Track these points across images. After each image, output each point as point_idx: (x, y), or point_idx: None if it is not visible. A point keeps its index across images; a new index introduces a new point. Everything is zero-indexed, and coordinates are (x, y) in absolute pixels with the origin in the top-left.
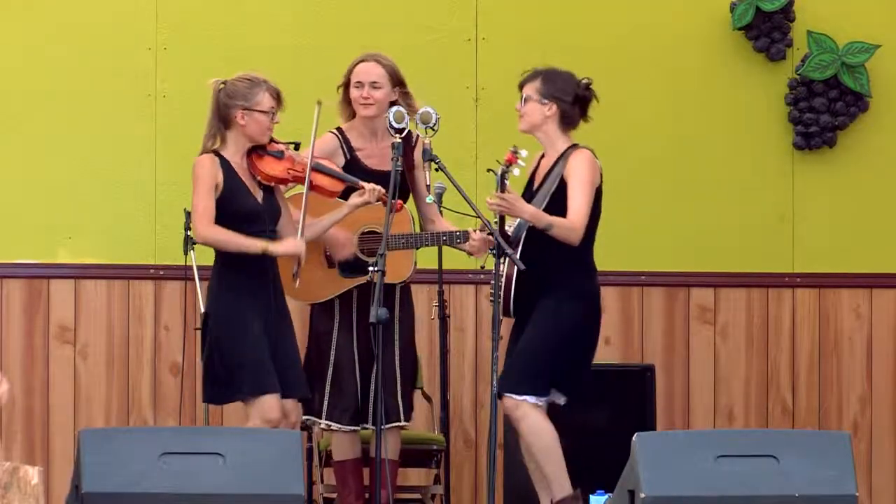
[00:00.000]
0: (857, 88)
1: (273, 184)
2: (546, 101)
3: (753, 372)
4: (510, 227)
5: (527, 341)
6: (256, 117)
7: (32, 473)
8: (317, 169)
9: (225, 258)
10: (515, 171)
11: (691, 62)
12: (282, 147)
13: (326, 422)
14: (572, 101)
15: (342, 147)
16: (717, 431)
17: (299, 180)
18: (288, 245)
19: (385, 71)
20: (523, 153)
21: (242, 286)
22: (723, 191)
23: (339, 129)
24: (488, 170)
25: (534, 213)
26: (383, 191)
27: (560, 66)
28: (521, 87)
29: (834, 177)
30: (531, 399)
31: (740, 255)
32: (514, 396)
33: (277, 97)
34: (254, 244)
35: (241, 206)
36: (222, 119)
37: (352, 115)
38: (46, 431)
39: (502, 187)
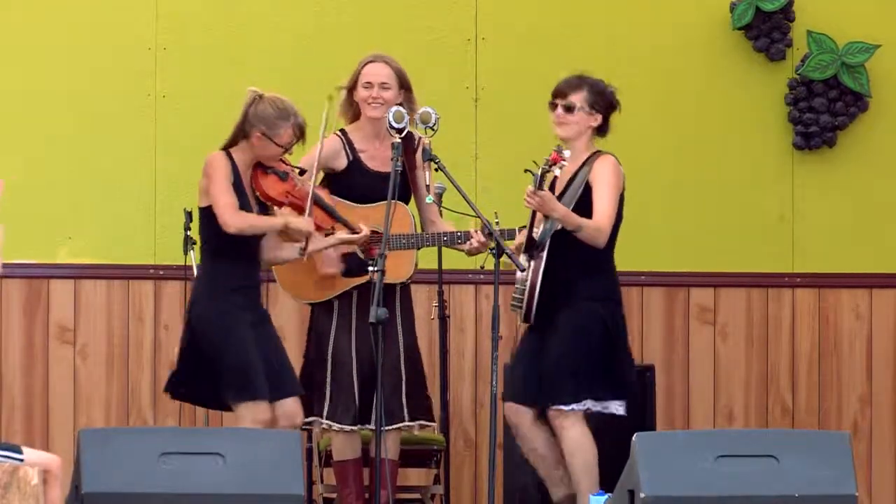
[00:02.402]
0: (857, 88)
1: (268, 203)
2: (594, 112)
3: (753, 372)
4: (536, 231)
5: (560, 349)
6: (270, 146)
7: (32, 473)
8: (317, 202)
9: (211, 260)
10: (556, 171)
11: (691, 62)
12: (288, 169)
13: (327, 422)
14: (612, 111)
15: (345, 149)
16: (717, 431)
17: (294, 206)
18: (302, 220)
19: (394, 72)
20: (566, 153)
21: (229, 289)
22: (723, 191)
23: (342, 130)
24: (526, 170)
25: (565, 213)
26: (369, 238)
27: (559, 67)
28: (562, 94)
29: (834, 177)
30: (577, 407)
31: (740, 255)
32: (562, 407)
33: (301, 134)
34: (276, 221)
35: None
36: (243, 129)
37: (355, 116)
38: (46, 431)
39: (539, 185)
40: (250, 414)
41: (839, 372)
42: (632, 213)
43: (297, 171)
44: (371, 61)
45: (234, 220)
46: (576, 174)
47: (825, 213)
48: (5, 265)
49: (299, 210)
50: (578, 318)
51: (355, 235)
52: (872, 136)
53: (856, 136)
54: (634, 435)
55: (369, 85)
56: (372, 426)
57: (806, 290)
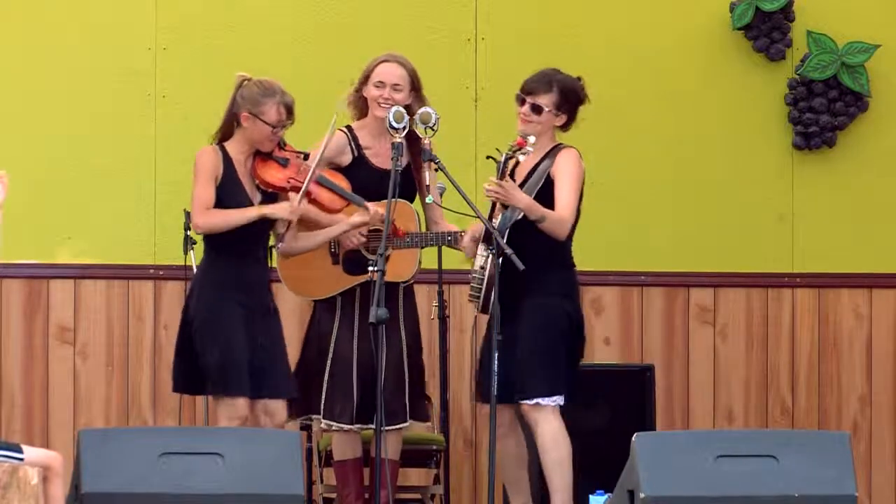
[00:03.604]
0: (857, 88)
1: (270, 191)
2: (560, 114)
3: (753, 372)
4: (495, 220)
5: (529, 343)
6: (259, 125)
7: (32, 474)
8: (320, 182)
9: (211, 256)
10: (521, 157)
11: (691, 62)
12: (289, 155)
13: (326, 421)
14: (579, 107)
15: (350, 145)
16: (717, 431)
17: (298, 191)
18: (282, 206)
19: (407, 73)
20: (532, 139)
21: (226, 285)
22: (723, 191)
23: (348, 126)
24: (488, 157)
25: (529, 203)
26: (383, 214)
27: (559, 66)
28: (531, 92)
29: (833, 177)
30: (548, 401)
31: (740, 255)
32: (530, 401)
33: (288, 112)
34: (250, 212)
35: (232, 205)
36: (233, 115)
37: (363, 112)
38: (46, 431)
39: (501, 174)
40: (226, 410)
41: (839, 372)
42: (632, 213)
43: (301, 156)
44: (385, 61)
45: (202, 219)
46: (537, 165)
47: (825, 213)
48: (5, 265)
49: (306, 196)
50: (546, 312)
51: (366, 217)
52: (872, 136)
53: (856, 136)
54: (634, 435)
55: (381, 84)
56: (374, 426)
57: (806, 290)
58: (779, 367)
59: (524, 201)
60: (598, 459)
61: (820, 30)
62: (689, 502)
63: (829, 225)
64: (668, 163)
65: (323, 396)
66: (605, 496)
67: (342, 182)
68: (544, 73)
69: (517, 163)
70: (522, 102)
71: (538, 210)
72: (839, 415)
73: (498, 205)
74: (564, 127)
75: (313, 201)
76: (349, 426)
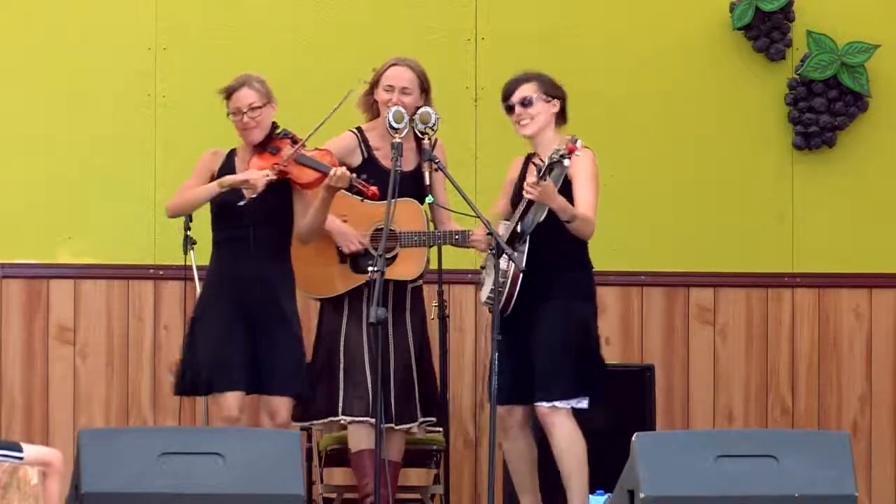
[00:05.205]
0: (857, 88)
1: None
2: (550, 99)
3: (753, 372)
4: (519, 224)
5: (547, 344)
6: (232, 118)
7: (32, 473)
8: (299, 161)
9: (212, 256)
10: (566, 162)
11: (691, 62)
12: (280, 143)
13: (343, 417)
14: (566, 98)
15: (360, 146)
16: (717, 431)
17: (283, 174)
18: (247, 173)
19: (416, 76)
20: (580, 143)
21: (221, 284)
22: (723, 191)
23: (358, 128)
24: (532, 162)
25: (563, 204)
26: (351, 176)
27: (559, 66)
28: (512, 91)
29: (833, 177)
30: (562, 404)
31: (740, 255)
32: (547, 404)
33: (226, 92)
34: (210, 186)
35: (220, 201)
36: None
37: (374, 114)
38: (46, 431)
39: (543, 175)
40: (215, 407)
41: (839, 372)
42: (632, 212)
43: (290, 141)
44: (394, 64)
45: (169, 203)
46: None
47: (825, 213)
48: (5, 265)
49: (281, 174)
50: (565, 315)
51: (331, 177)
52: (872, 136)
53: (856, 136)
54: (634, 435)
55: (390, 88)
56: (387, 424)
57: (806, 290)
58: (779, 367)
59: (559, 202)
60: (598, 459)
61: (820, 30)
62: (689, 502)
63: (829, 225)
64: (668, 163)
65: (341, 394)
66: (605, 496)
67: (325, 157)
68: (515, 75)
69: (524, 171)
70: (510, 109)
71: (570, 211)
72: (839, 415)
73: (520, 207)
74: (559, 118)
75: (289, 180)
76: (364, 417)
